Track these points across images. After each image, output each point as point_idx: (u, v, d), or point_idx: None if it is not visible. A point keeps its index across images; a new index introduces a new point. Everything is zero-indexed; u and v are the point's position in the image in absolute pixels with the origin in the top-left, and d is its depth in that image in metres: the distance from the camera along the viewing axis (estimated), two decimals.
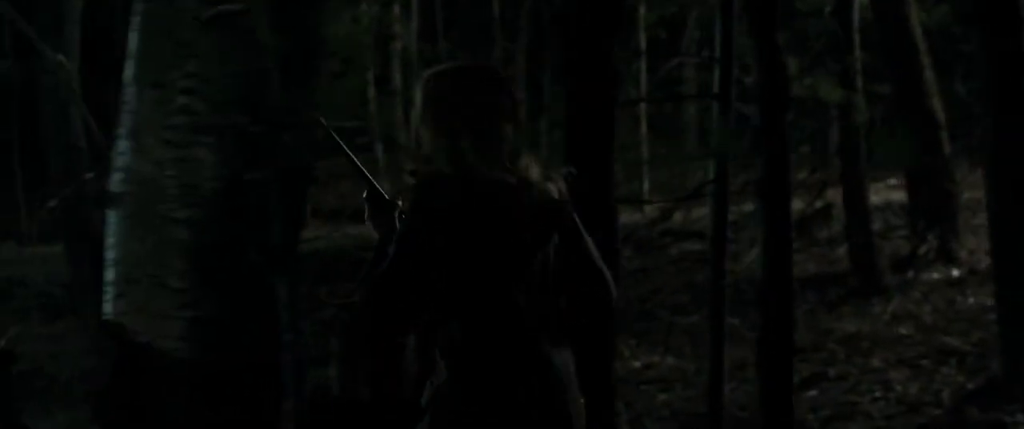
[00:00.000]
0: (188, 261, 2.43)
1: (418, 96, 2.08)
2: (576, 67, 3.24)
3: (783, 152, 4.56)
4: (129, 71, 2.48)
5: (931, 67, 11.51)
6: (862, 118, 9.66)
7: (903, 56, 11.56)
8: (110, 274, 2.52)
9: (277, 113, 2.45)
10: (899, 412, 6.07)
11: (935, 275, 10.89)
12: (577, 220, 2.36)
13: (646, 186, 17.62)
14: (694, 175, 13.65)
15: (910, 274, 10.94)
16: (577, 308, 2.80)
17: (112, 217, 2.51)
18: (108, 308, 2.54)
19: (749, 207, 13.57)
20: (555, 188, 2.82)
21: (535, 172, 2.88)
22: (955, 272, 11.04)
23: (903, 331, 8.84)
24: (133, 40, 2.47)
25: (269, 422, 2.51)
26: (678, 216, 13.44)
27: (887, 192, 12.86)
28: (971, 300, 9.91)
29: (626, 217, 14.88)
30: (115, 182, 2.50)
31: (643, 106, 13.90)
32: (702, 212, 14.73)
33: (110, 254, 2.52)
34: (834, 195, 10.81)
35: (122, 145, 2.48)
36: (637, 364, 8.44)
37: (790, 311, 4.84)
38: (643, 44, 12.74)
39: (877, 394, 6.46)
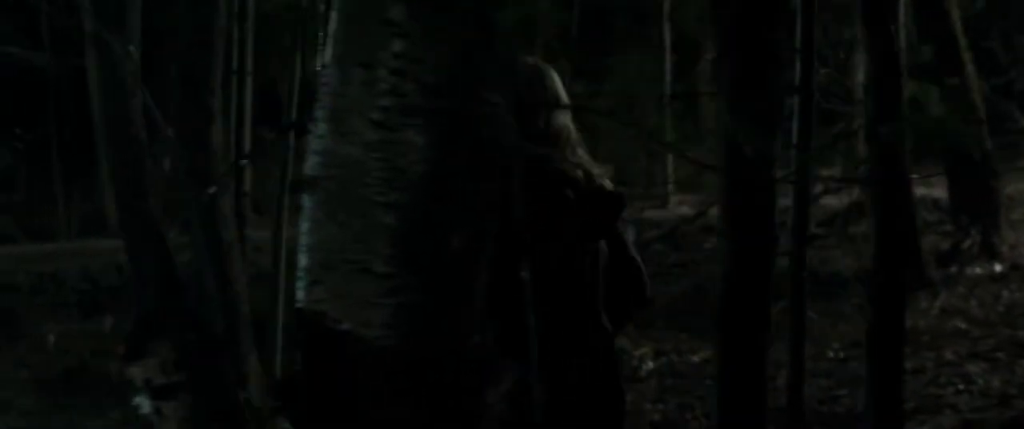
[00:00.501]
0: (393, 246, 2.37)
1: None
2: (736, 53, 3.22)
3: (895, 142, 4.53)
4: (330, 51, 2.43)
5: (973, 62, 11.45)
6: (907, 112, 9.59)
7: (943, 50, 11.47)
8: (305, 260, 2.47)
9: (484, 96, 2.38)
10: (987, 405, 6.03)
11: (978, 270, 10.85)
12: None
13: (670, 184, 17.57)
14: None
15: (953, 269, 10.89)
16: (614, 298, 2.80)
17: (308, 202, 2.45)
18: (301, 296, 2.48)
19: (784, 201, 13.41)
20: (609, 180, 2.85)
21: (594, 164, 2.92)
22: (998, 267, 10.99)
23: (961, 325, 8.80)
24: (334, 20, 2.41)
25: (471, 412, 2.45)
26: (713, 211, 13.35)
27: (922, 187, 12.81)
28: (1017, 295, 9.88)
29: (658, 214, 14.83)
30: (313, 166, 2.44)
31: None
32: None
33: (306, 240, 2.46)
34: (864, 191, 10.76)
35: (321, 128, 2.42)
36: (695, 359, 8.39)
37: (902, 302, 4.81)
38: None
39: (959, 387, 6.43)
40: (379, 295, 2.39)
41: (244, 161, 6.30)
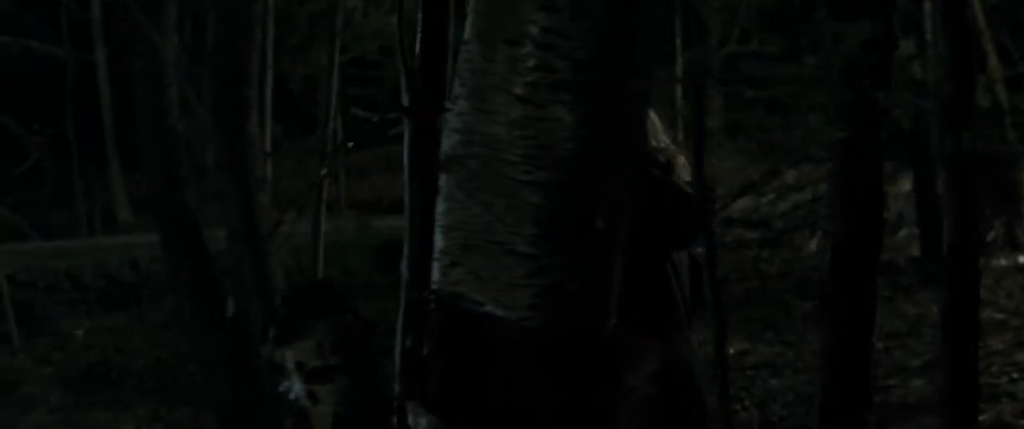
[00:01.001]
0: (538, 226, 2.31)
1: None
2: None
3: (968, 129, 4.50)
4: (470, 28, 2.37)
5: (994, 53, 11.42)
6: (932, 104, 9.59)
7: (961, 40, 11.37)
8: (442, 241, 2.41)
9: (632, 70, 2.33)
10: None
11: (1003, 261, 10.84)
12: None
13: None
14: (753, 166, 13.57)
15: (979, 260, 10.82)
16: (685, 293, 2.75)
17: (446, 181, 2.39)
18: (437, 277, 2.42)
19: (806, 196, 13.45)
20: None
21: (679, 156, 2.88)
22: (1021, 259, 10.97)
23: (996, 316, 8.77)
24: None
25: (609, 395, 2.40)
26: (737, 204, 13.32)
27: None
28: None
29: None
30: (452, 145, 2.38)
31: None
32: (756, 202, 14.63)
33: (443, 220, 2.40)
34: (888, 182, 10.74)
35: (461, 105, 2.36)
36: (731, 350, 8.34)
37: (977, 290, 4.77)
38: None
39: (1013, 375, 6.39)
40: (523, 276, 2.33)
41: (350, 144, 6.22)
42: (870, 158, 3.06)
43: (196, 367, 7.70)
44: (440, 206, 2.42)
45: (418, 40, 3.33)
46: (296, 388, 2.02)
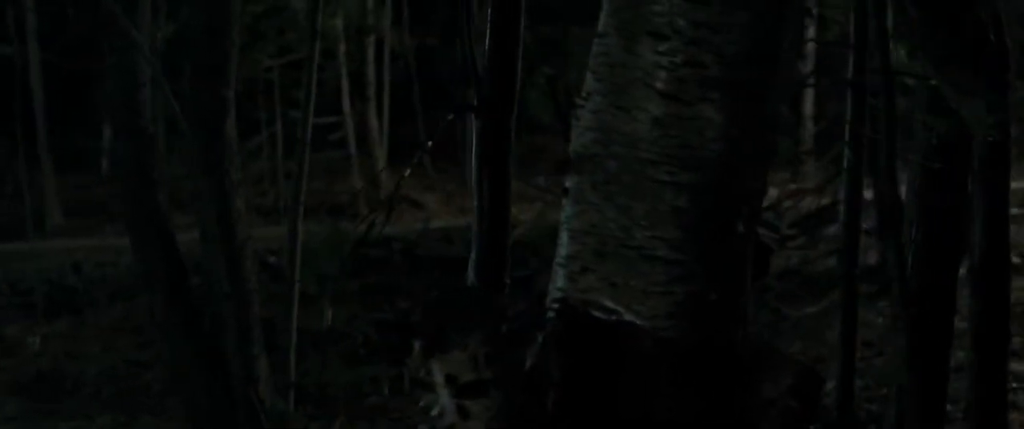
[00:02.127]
0: (682, 230, 2.19)
1: None
2: None
3: (1006, 133, 4.48)
4: (608, 20, 2.24)
5: None
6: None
7: None
8: (570, 246, 2.27)
9: (780, 67, 2.22)
10: None
11: (961, 270, 10.87)
12: None
13: None
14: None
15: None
16: None
17: (577, 183, 2.26)
18: (563, 284, 2.28)
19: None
20: None
21: None
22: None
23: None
24: None
25: (746, 407, 2.28)
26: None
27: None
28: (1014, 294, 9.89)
29: None
30: (585, 143, 2.25)
31: None
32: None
33: (573, 224, 2.27)
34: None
35: (596, 102, 2.23)
36: None
37: (1007, 295, 4.75)
38: None
39: (1012, 385, 6.38)
40: (663, 283, 2.21)
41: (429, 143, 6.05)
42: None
43: (166, 372, 7.46)
44: (569, 209, 2.29)
45: (488, 36, 3.19)
46: (443, 403, 1.87)
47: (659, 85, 2.16)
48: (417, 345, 1.94)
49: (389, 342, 9.71)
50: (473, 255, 3.30)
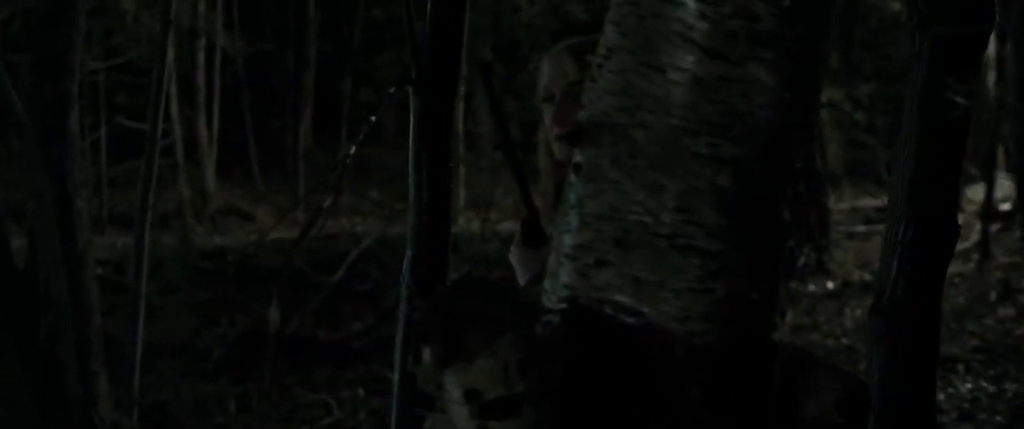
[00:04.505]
0: (724, 215, 1.82)
1: None
2: None
3: None
4: None
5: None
6: None
7: None
8: (583, 234, 1.88)
9: (830, 24, 1.88)
10: None
11: (813, 287, 10.90)
12: None
13: None
14: None
15: (793, 285, 10.90)
16: None
17: (591, 157, 1.88)
18: (571, 280, 1.89)
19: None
20: None
21: None
22: (830, 284, 11.06)
23: (822, 341, 8.77)
24: None
25: (782, 423, 1.93)
26: None
27: None
28: (858, 311, 9.96)
29: None
30: (603, 109, 1.87)
31: None
32: None
33: (586, 207, 1.88)
34: None
35: (621, 59, 1.85)
36: None
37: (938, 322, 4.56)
38: None
39: None
40: (699, 278, 1.84)
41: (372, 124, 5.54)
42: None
43: None
44: (579, 188, 1.90)
45: (429, 4, 2.79)
46: (460, 421, 1.45)
47: (701, 39, 1.80)
48: (427, 353, 1.52)
49: (232, 358, 9.13)
50: (409, 253, 2.88)
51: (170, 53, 16.13)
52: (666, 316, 1.84)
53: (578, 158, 1.90)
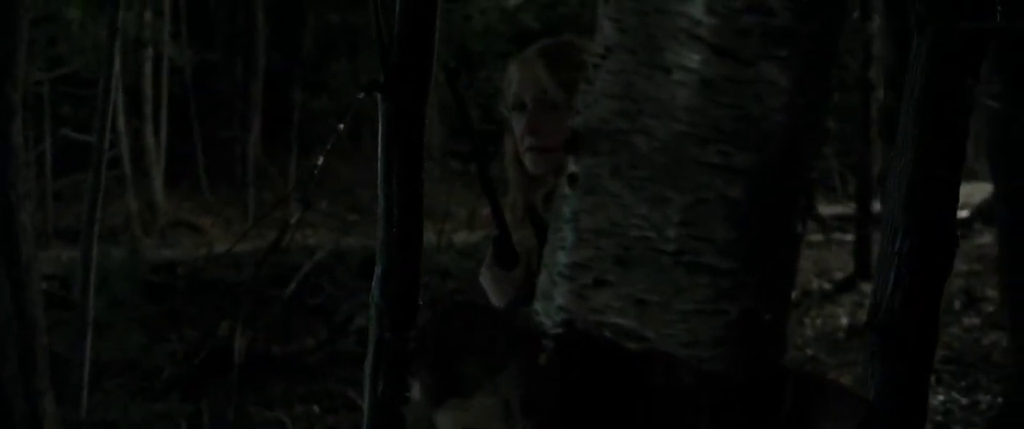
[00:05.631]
0: (736, 229, 1.66)
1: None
2: None
3: None
4: None
5: None
6: None
7: None
8: (580, 252, 1.72)
9: (842, 22, 1.73)
10: None
11: None
12: None
13: None
14: None
15: None
16: None
17: (589, 167, 1.71)
18: (566, 301, 1.73)
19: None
20: None
21: None
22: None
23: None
24: None
25: None
26: None
27: None
28: (819, 321, 9.96)
29: None
30: (602, 114, 1.70)
31: None
32: None
33: (582, 222, 1.72)
34: None
35: (620, 59, 1.69)
36: None
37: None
38: None
39: None
40: (710, 299, 1.68)
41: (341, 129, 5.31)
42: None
43: None
44: (574, 202, 1.73)
45: (399, 3, 2.62)
46: None
47: (710, 36, 1.64)
48: (416, 387, 1.34)
49: (182, 375, 8.88)
50: (379, 269, 2.70)
51: (117, 63, 15.87)
52: (672, 340, 1.68)
53: (573, 168, 1.74)
